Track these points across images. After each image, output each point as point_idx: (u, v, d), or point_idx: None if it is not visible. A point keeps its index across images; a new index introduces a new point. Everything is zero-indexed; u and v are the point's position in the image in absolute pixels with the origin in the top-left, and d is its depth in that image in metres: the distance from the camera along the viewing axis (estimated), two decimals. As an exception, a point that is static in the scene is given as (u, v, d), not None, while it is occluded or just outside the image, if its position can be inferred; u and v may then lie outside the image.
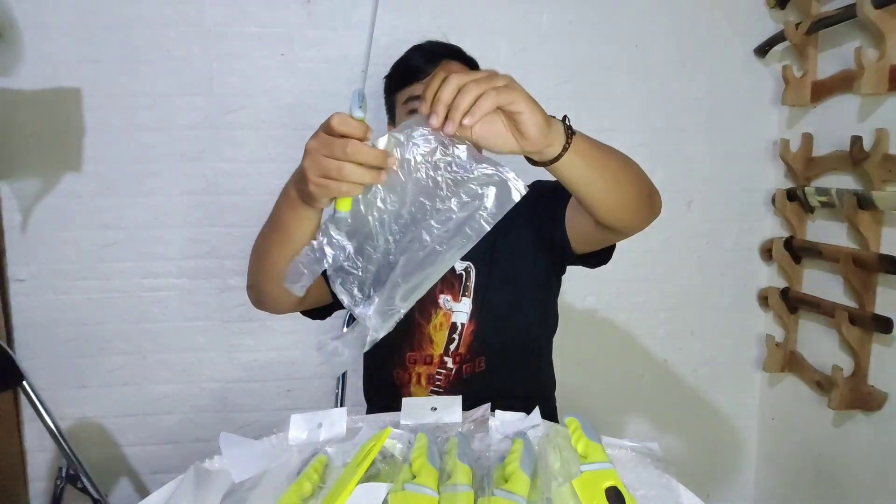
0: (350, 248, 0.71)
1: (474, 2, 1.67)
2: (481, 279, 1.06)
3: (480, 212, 0.65)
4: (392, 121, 1.16)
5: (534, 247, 1.06)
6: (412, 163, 0.67)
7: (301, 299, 0.95)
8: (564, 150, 0.69)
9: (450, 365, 1.06)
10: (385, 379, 1.11)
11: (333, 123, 0.64)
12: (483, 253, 1.04)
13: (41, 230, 1.60)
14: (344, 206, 0.69)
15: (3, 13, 1.51)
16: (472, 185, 0.66)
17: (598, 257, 1.03)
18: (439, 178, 0.67)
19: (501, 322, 1.07)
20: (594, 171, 0.74)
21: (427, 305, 1.05)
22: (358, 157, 0.63)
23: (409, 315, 1.05)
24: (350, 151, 0.63)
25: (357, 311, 0.71)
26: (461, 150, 0.66)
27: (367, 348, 0.70)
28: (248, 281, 0.93)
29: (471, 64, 1.11)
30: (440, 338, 1.06)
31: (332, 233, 0.71)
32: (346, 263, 0.72)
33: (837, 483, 1.60)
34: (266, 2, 1.61)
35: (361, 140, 0.64)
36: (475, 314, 1.06)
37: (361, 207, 0.69)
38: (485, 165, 0.66)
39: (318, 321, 1.12)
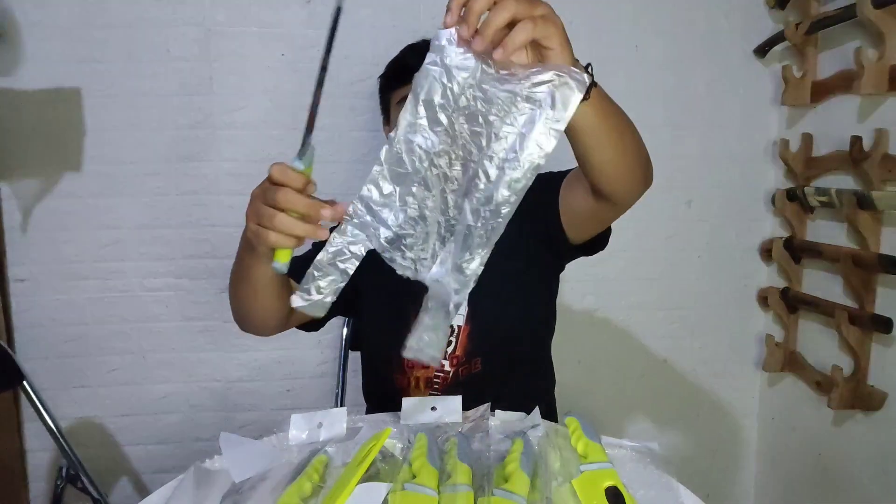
0: (399, 214, 0.65)
1: (474, 2, 1.66)
2: (477, 281, 1.05)
3: (546, 120, 0.58)
4: (387, 121, 1.16)
5: (530, 245, 1.05)
6: (454, 91, 0.60)
7: (289, 318, 0.97)
8: (583, 99, 0.66)
9: (447, 368, 1.06)
10: (385, 383, 1.11)
11: (273, 173, 0.65)
12: None
13: (41, 230, 1.60)
14: (281, 257, 0.66)
15: (3, 13, 1.51)
16: (529, 94, 0.58)
17: (595, 243, 1.02)
18: (490, 98, 0.59)
19: (497, 323, 1.06)
20: (605, 126, 0.72)
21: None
22: (289, 205, 0.64)
23: (405, 319, 1.05)
24: (281, 199, 0.64)
25: (428, 277, 0.66)
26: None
27: (455, 314, 0.66)
28: (231, 308, 0.96)
29: None
30: None
31: (371, 203, 0.64)
32: (397, 231, 0.65)
33: (837, 483, 1.60)
34: (266, 2, 1.61)
35: (299, 191, 0.64)
36: (471, 316, 1.06)
37: (405, 157, 0.63)
38: (537, 69, 0.59)
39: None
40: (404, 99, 1.04)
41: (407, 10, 1.65)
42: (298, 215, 0.64)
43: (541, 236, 1.03)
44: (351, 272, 0.66)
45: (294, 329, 1.06)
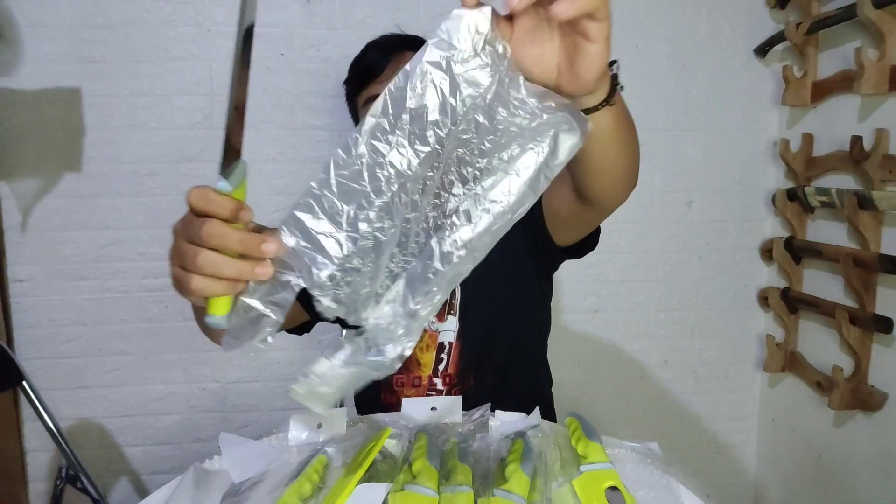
0: (348, 243, 0.51)
1: (474, 2, 1.66)
2: (466, 296, 1.02)
3: (544, 165, 0.48)
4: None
5: (518, 253, 1.00)
6: (456, 109, 0.47)
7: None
8: (602, 105, 0.56)
9: (440, 386, 1.03)
10: (373, 403, 1.08)
11: (191, 199, 0.50)
12: None
13: (41, 230, 1.60)
14: (217, 309, 0.51)
15: (3, 13, 1.51)
16: (534, 130, 0.47)
17: (583, 246, 0.98)
18: (493, 127, 0.48)
19: (489, 337, 1.03)
20: (618, 132, 0.64)
21: None
22: (215, 241, 0.49)
23: None
24: (206, 234, 0.48)
25: (371, 319, 0.53)
26: (522, 85, 0.48)
27: (396, 366, 0.53)
28: None
29: None
30: (427, 359, 1.02)
31: (309, 227, 0.51)
32: (341, 265, 0.51)
33: (837, 483, 1.60)
34: (266, 2, 1.61)
35: (228, 220, 0.49)
36: (461, 332, 1.02)
37: (366, 171, 0.49)
38: (551, 103, 0.48)
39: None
40: (370, 99, 0.99)
41: (407, 9, 1.65)
42: (232, 253, 0.50)
43: (528, 242, 0.99)
44: (287, 308, 0.52)
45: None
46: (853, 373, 1.51)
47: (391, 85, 0.48)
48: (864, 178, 1.47)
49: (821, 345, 1.66)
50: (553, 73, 0.49)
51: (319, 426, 0.85)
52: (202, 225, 0.49)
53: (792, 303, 1.73)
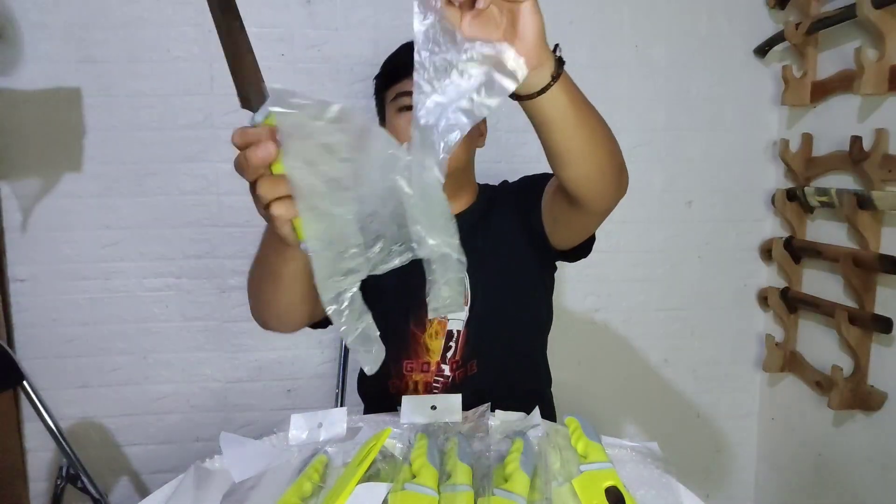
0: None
1: (474, 2, 1.67)
2: (475, 286, 1.05)
3: (473, 95, 0.55)
4: (382, 122, 1.13)
5: (521, 246, 1.05)
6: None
7: (310, 314, 0.91)
8: (552, 80, 0.62)
9: (447, 372, 1.05)
10: (380, 389, 1.10)
11: (234, 140, 0.57)
12: (474, 258, 1.03)
13: (41, 230, 1.60)
14: (300, 233, 0.56)
15: (3, 13, 1.51)
16: (464, 68, 0.55)
17: (577, 251, 1.02)
18: (428, 63, 0.56)
19: (494, 326, 1.06)
20: (576, 115, 0.67)
21: (420, 315, 1.05)
22: (255, 162, 0.55)
23: (404, 326, 1.05)
24: (243, 161, 0.56)
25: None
26: (452, 32, 0.56)
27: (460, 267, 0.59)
28: (250, 306, 0.91)
29: None
30: (436, 346, 1.05)
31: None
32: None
33: (837, 483, 1.60)
34: (266, 2, 1.61)
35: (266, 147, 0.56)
36: (469, 320, 1.05)
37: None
38: (479, 43, 0.55)
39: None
40: (399, 95, 1.03)
41: (408, 9, 1.64)
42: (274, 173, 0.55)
43: (531, 238, 1.03)
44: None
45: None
46: (852, 372, 1.51)
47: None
48: (864, 178, 1.47)
49: (820, 344, 1.66)
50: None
51: (319, 426, 0.85)
52: (244, 156, 0.56)
53: (791, 302, 1.74)
